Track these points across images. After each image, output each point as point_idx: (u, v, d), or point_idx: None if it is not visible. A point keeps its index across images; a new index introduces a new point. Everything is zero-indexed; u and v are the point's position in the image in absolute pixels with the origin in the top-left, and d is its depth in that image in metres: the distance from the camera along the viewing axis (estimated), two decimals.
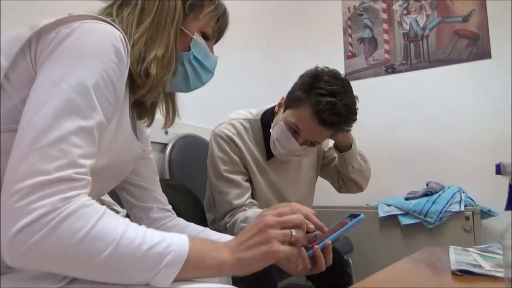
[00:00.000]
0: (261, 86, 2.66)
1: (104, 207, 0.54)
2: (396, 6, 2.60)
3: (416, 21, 2.51)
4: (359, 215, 0.81)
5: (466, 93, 2.28)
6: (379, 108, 2.52)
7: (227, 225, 1.27)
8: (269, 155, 1.36)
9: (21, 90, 0.57)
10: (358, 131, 2.56)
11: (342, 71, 2.70)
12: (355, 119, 1.22)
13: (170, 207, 0.94)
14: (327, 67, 1.24)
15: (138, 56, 0.70)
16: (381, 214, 2.06)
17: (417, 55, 2.48)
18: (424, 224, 1.94)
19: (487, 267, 0.80)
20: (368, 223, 2.10)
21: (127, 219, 0.56)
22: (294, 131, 1.22)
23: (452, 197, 1.94)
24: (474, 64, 2.28)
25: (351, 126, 1.25)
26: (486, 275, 0.74)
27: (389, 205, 2.09)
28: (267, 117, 1.37)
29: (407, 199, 2.09)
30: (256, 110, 1.43)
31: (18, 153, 0.51)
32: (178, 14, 0.76)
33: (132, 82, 0.71)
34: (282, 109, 1.28)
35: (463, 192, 2.02)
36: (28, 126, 0.52)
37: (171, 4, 0.76)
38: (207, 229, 0.90)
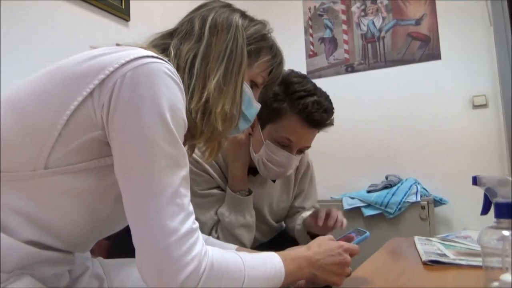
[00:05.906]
0: None
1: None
2: (354, 8, 2.73)
3: (373, 22, 2.66)
4: (365, 232, 0.87)
5: (420, 92, 2.46)
6: (340, 106, 2.59)
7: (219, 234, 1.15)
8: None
9: (79, 136, 0.56)
10: None
11: (304, 70, 2.82)
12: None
13: None
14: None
15: (203, 107, 0.65)
16: (346, 206, 2.21)
17: (374, 55, 2.63)
18: (385, 215, 2.10)
19: (451, 255, 0.92)
20: None
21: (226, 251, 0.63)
22: (282, 145, 1.11)
23: (409, 189, 2.11)
24: (426, 64, 2.47)
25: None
26: (452, 263, 0.86)
27: (352, 198, 2.24)
28: None
29: (369, 191, 2.24)
30: None
31: (143, 215, 0.54)
32: (244, 62, 0.71)
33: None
34: (256, 129, 1.15)
35: (418, 183, 2.21)
36: (142, 187, 0.54)
37: (238, 51, 0.70)
38: None
